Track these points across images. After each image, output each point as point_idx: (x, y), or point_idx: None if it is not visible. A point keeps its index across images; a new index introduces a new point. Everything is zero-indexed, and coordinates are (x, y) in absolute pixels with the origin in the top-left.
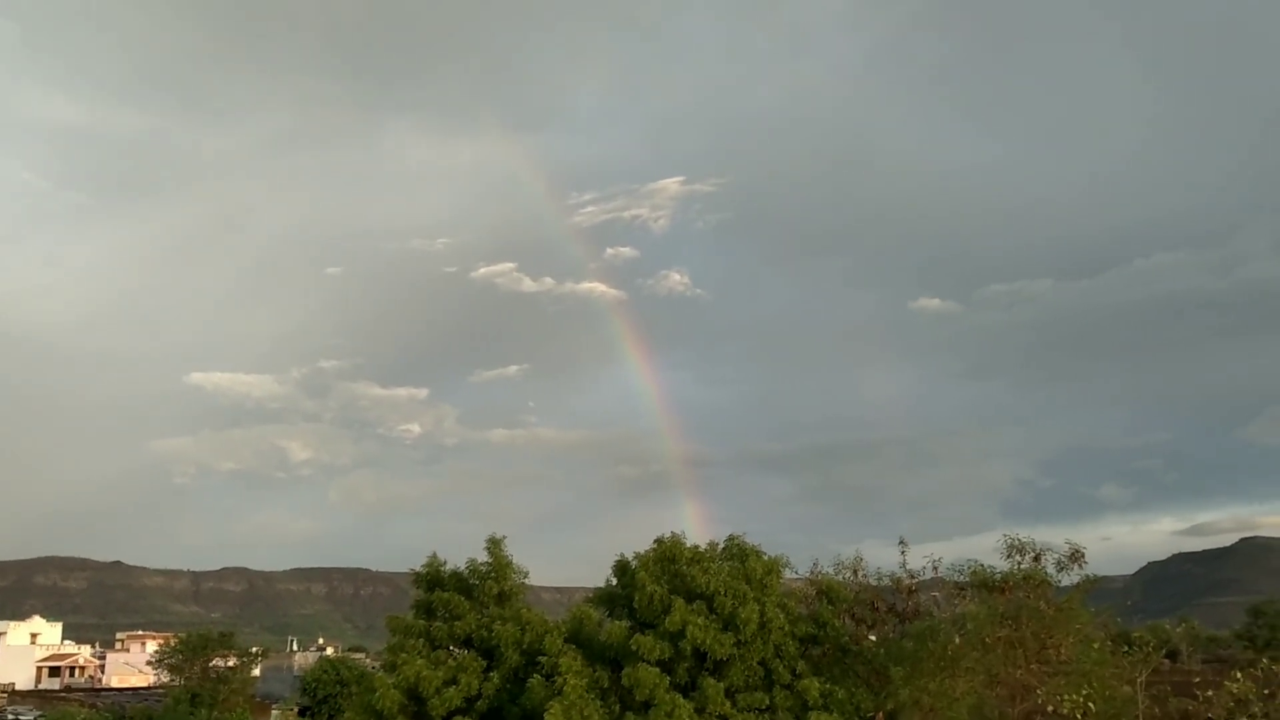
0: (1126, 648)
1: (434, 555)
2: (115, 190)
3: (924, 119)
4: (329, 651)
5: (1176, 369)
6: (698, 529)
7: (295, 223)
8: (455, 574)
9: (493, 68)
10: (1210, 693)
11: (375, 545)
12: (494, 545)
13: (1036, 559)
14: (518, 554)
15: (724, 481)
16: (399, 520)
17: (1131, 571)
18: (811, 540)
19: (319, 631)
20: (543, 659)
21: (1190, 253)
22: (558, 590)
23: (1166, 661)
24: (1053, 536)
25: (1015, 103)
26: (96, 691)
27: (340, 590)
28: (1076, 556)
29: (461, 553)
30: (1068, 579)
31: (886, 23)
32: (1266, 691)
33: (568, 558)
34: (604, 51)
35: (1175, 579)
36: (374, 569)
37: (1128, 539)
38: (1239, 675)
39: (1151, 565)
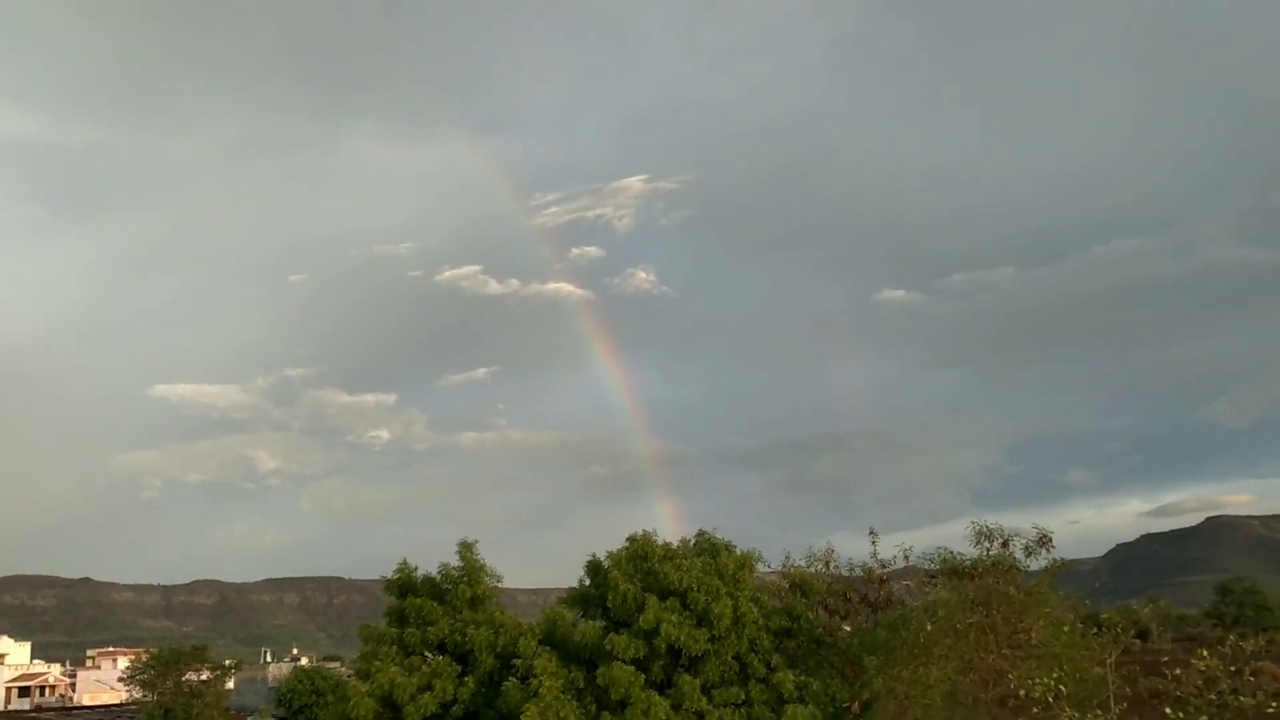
0: (1096, 629)
1: (405, 562)
2: (72, 204)
3: (883, 112)
4: (303, 662)
5: (1138, 353)
6: (671, 526)
7: (256, 231)
8: (428, 579)
9: (453, 71)
10: (1179, 671)
11: (347, 553)
12: (466, 549)
13: (1005, 545)
14: (491, 557)
15: (696, 478)
16: (371, 527)
17: (1100, 554)
18: (784, 534)
19: (293, 642)
20: (517, 662)
21: (1148, 238)
22: (533, 592)
23: (1137, 641)
24: (1022, 522)
25: (974, 95)
26: (68, 710)
27: (314, 600)
28: (1044, 541)
29: (435, 558)
30: (1036, 563)
31: (845, 18)
32: (1233, 668)
33: (542, 559)
34: (564, 52)
35: (1143, 560)
36: (347, 577)
37: (1096, 522)
38: (1205, 653)
39: (1120, 547)
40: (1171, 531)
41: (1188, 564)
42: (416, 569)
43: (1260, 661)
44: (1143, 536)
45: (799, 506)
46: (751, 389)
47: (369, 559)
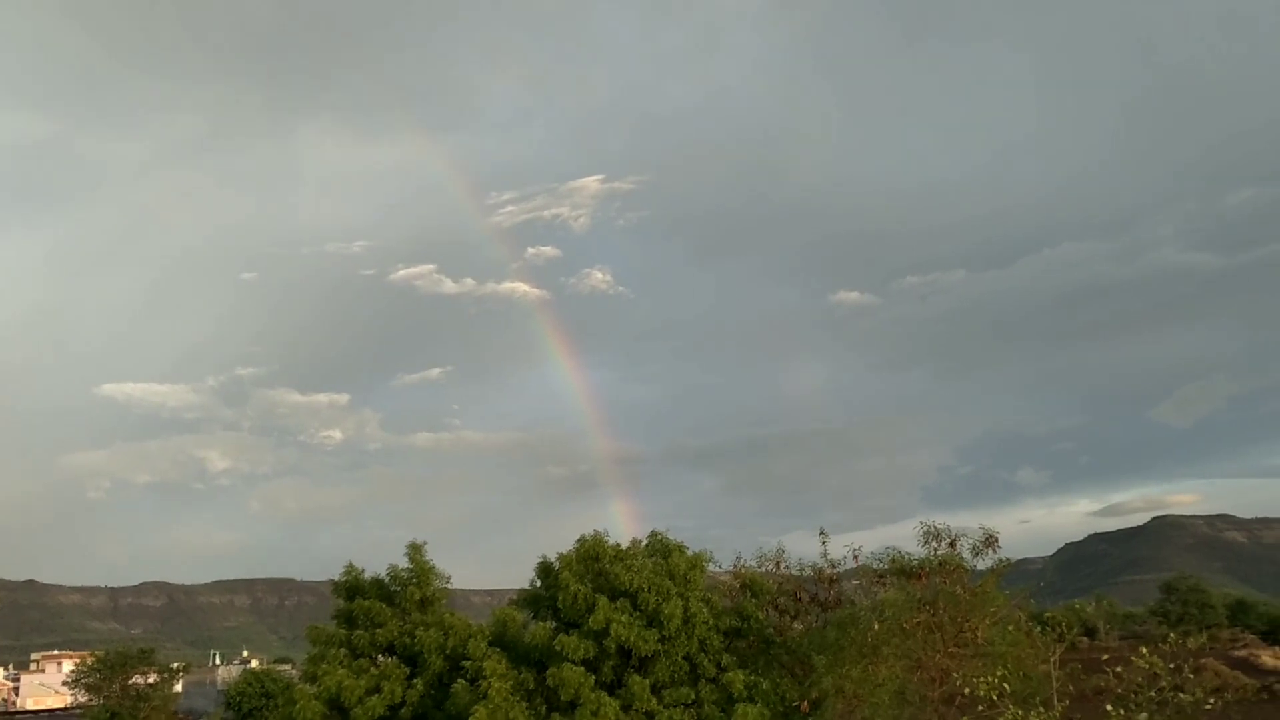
0: (1041, 628)
1: (352, 564)
2: (18, 198)
3: (839, 117)
4: (254, 664)
5: (1087, 355)
6: (627, 526)
7: (207, 228)
8: (376, 581)
9: (408, 69)
10: (1120, 669)
11: (299, 555)
12: (415, 551)
13: (952, 545)
14: (446, 559)
15: (652, 478)
16: (323, 529)
17: (1049, 553)
18: (740, 533)
19: (243, 644)
20: (467, 663)
21: (1096, 242)
22: (488, 593)
23: (1085, 639)
24: (973, 521)
25: (927, 98)
26: (11, 715)
27: (265, 602)
28: (990, 541)
29: (388, 559)
30: (983, 563)
31: (801, 20)
32: (1173, 665)
33: (497, 560)
34: (520, 51)
35: (1091, 559)
36: (299, 579)
37: (1045, 521)
38: (1145, 650)
39: (1069, 546)
40: (1119, 531)
41: (1135, 563)
42: (364, 571)
43: (1204, 659)
44: (1091, 536)
45: (754, 506)
46: (707, 389)
47: (321, 560)
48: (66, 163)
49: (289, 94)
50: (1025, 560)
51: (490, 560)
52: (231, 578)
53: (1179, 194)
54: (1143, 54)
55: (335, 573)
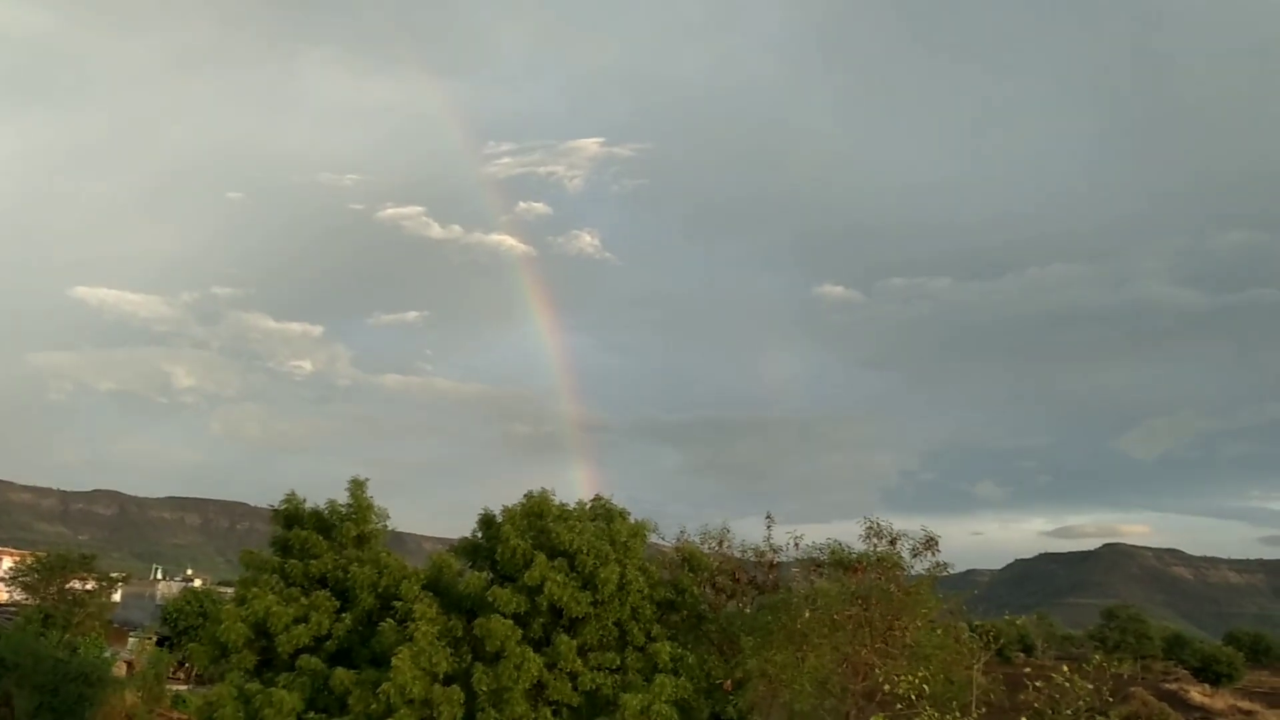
0: (969, 634)
1: (293, 492)
2: (6, 91)
3: (847, 107)
4: (196, 584)
5: (1060, 377)
6: (588, 493)
7: (199, 143)
8: (314, 513)
9: (419, 7)
10: (1038, 683)
11: (256, 481)
12: (356, 487)
13: (893, 543)
14: (402, 501)
15: (617, 448)
16: (283, 457)
17: (999, 567)
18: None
19: (189, 563)
20: (398, 604)
21: (1084, 266)
22: (439, 541)
23: (1022, 655)
24: (928, 527)
25: (937, 101)
26: None
27: (216, 523)
28: (930, 544)
29: (344, 495)
30: (921, 565)
31: (817, 10)
32: (1092, 686)
33: (453, 510)
34: (535, 3)
35: (1040, 577)
36: (253, 504)
37: (998, 535)
38: (1066, 669)
39: (1019, 562)
40: (1070, 553)
41: (1081, 586)
42: (305, 501)
43: (1134, 687)
44: (1041, 555)
45: (715, 487)
46: (682, 366)
47: (277, 489)
48: (61, 60)
49: (298, 18)
50: (974, 572)
51: (445, 509)
52: (185, 495)
53: (1171, 228)
54: (1156, 86)
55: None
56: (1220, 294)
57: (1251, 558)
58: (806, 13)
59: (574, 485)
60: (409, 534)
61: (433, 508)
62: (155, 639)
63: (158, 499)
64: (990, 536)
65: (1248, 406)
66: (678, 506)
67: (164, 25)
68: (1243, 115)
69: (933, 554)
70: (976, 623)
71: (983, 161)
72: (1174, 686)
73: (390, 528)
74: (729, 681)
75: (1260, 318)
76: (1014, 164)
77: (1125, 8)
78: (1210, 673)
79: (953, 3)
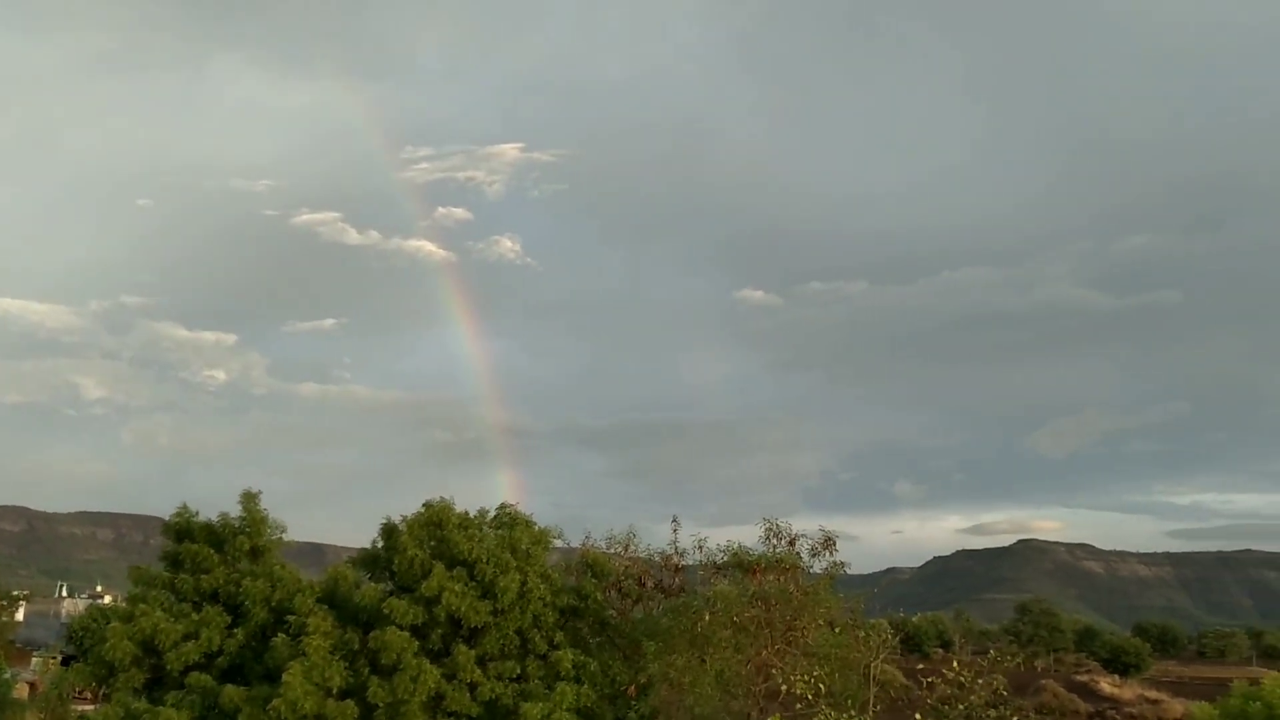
0: (863, 633)
1: (185, 505)
2: None
3: (765, 114)
4: (106, 600)
5: (973, 378)
6: (512, 499)
7: (108, 149)
8: (206, 526)
9: (337, 12)
10: (931, 679)
11: (170, 493)
12: (248, 499)
13: (791, 543)
14: (321, 513)
15: (541, 453)
16: (198, 469)
17: (919, 564)
18: (622, 517)
19: (102, 579)
20: (291, 618)
21: (994, 269)
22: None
23: (940, 651)
24: (849, 526)
25: (852, 108)
26: None
27: (129, 538)
28: (828, 544)
29: (265, 507)
30: (819, 566)
31: (739, 17)
32: (980, 681)
33: (374, 520)
34: (456, 8)
35: (957, 574)
36: (167, 518)
37: (917, 533)
38: (956, 664)
39: (937, 560)
40: (985, 550)
41: (997, 582)
42: (197, 513)
43: (1046, 679)
44: (958, 552)
45: (640, 491)
46: (605, 370)
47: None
48: None
49: (208, 21)
50: (896, 569)
51: (366, 519)
52: (96, 510)
53: (1077, 233)
54: (1063, 97)
55: (207, 515)
56: (1123, 296)
57: (1159, 551)
58: (728, 23)
59: (497, 491)
60: (328, 545)
61: (353, 518)
62: (60, 658)
63: (67, 514)
64: (910, 535)
65: (1151, 405)
66: (602, 511)
67: (72, 28)
68: (1145, 124)
69: (830, 554)
70: (872, 621)
71: (898, 170)
72: (1085, 678)
73: (308, 539)
74: (633, 687)
75: (1161, 319)
76: (930, 173)
77: (1033, 21)
78: (1119, 664)
79: (871, 17)
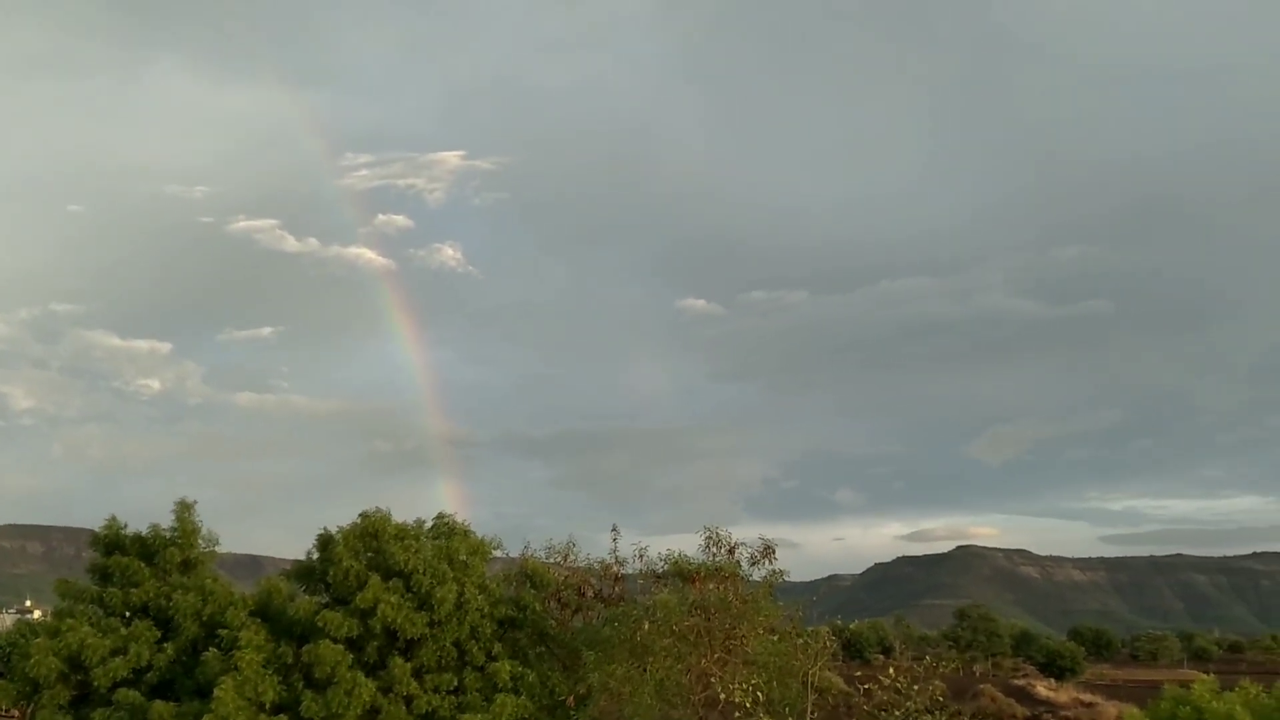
0: (801, 640)
1: (114, 517)
2: None
3: (708, 124)
4: (35, 615)
5: (912, 386)
6: (454, 509)
7: (37, 154)
8: (137, 538)
9: (276, 16)
10: (868, 685)
11: (102, 505)
12: (182, 509)
13: (731, 552)
14: (261, 523)
15: (484, 462)
16: (131, 480)
17: (860, 571)
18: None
19: (31, 593)
20: (223, 632)
21: (932, 279)
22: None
23: (881, 657)
24: (792, 534)
25: (796, 120)
26: None
27: (60, 551)
28: (767, 552)
29: (200, 519)
30: (758, 574)
31: (683, 29)
32: (916, 687)
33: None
34: (396, 15)
35: (898, 580)
36: (99, 530)
37: (858, 541)
38: (892, 670)
39: (878, 566)
40: (925, 556)
41: (937, 588)
42: (127, 525)
43: (984, 684)
44: (899, 558)
45: (583, 500)
46: (547, 379)
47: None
48: None
49: (142, 24)
50: (837, 576)
51: (305, 530)
52: (25, 523)
53: (1011, 244)
54: (999, 110)
55: (138, 527)
56: (1057, 305)
57: (1093, 556)
58: (673, 35)
59: (439, 501)
60: (266, 557)
61: (292, 528)
62: None
63: None
64: (851, 542)
65: (1083, 413)
66: (546, 520)
67: (2, 31)
68: (1077, 137)
69: (769, 562)
70: (812, 628)
71: (839, 182)
72: (1022, 682)
73: (246, 551)
74: (572, 697)
75: (1093, 328)
76: (869, 185)
77: (978, 43)
78: (1055, 668)
79: (815, 34)
